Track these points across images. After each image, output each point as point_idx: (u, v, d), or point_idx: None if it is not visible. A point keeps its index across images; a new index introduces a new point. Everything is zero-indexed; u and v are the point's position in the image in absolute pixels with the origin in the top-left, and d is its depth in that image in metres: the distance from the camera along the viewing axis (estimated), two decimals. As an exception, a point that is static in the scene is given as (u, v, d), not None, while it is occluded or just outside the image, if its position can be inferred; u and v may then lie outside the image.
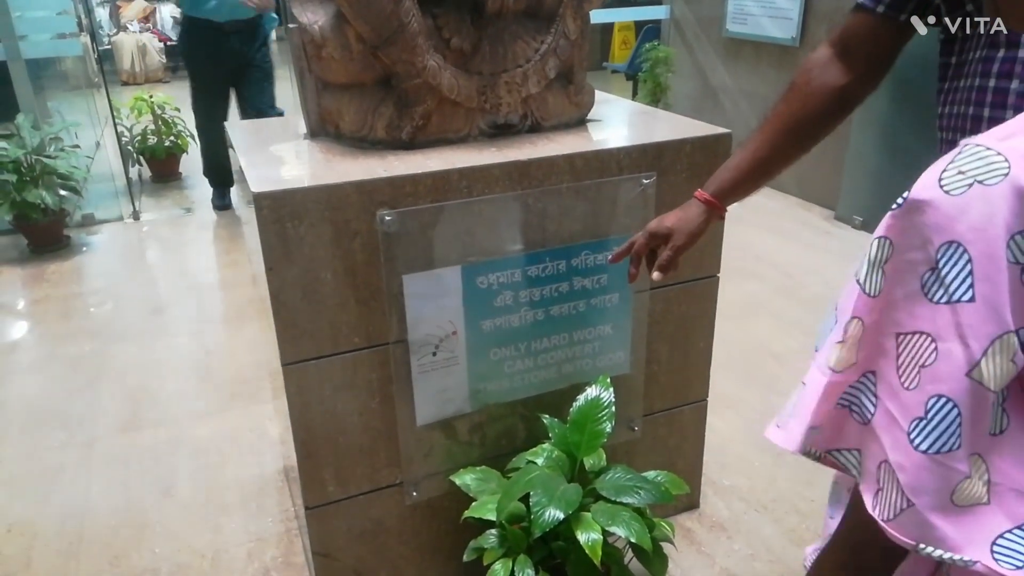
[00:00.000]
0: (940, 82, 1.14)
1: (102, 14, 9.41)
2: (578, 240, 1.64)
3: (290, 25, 1.56)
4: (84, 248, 4.24)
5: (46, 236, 4.14)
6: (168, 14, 10.60)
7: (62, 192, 4.09)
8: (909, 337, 0.58)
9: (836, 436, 0.67)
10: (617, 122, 1.89)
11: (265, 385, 2.74)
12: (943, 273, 0.56)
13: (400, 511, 1.72)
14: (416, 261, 1.51)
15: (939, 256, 0.56)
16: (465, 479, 1.66)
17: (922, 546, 0.59)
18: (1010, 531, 0.58)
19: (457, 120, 1.62)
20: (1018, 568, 0.57)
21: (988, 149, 0.55)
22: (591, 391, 1.69)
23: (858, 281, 0.61)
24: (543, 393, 1.76)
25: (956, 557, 0.58)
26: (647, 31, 6.25)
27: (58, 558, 2.01)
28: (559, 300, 1.68)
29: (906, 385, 0.58)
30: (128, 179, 4.96)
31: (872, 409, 0.62)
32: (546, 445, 1.69)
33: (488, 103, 1.62)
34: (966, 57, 1.03)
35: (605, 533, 1.49)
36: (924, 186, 0.57)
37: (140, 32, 9.88)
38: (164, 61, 9.98)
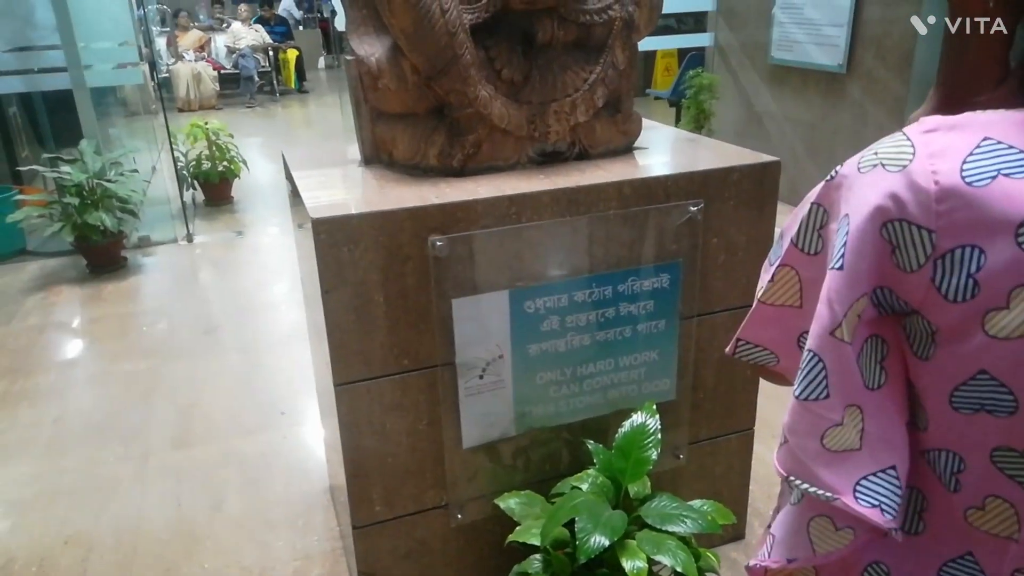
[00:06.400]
0: None
1: (160, 44, 9.76)
2: (625, 266, 1.66)
3: (347, 57, 1.61)
4: (140, 269, 4.39)
5: (104, 257, 4.30)
6: (223, 43, 10.97)
7: (120, 215, 4.25)
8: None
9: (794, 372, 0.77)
10: (663, 149, 1.90)
11: (312, 404, 2.79)
12: (835, 242, 0.63)
13: (445, 533, 1.74)
14: (465, 285, 1.54)
15: (839, 227, 0.63)
16: (509, 503, 1.67)
17: (792, 478, 0.68)
18: (873, 474, 0.65)
19: (507, 148, 1.66)
20: (873, 506, 0.64)
21: (907, 139, 0.60)
22: (637, 418, 1.69)
23: (792, 239, 0.69)
24: (588, 418, 1.76)
25: (819, 492, 0.66)
26: (691, 58, 6.28)
27: (112, 570, 2.07)
28: (605, 326, 1.69)
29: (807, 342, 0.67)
30: (183, 202, 5.13)
31: None
32: (591, 471, 1.69)
33: (537, 131, 1.65)
34: None
35: (650, 562, 1.48)
36: (850, 162, 0.64)
37: (196, 61, 10.25)
38: (218, 89, 10.32)
